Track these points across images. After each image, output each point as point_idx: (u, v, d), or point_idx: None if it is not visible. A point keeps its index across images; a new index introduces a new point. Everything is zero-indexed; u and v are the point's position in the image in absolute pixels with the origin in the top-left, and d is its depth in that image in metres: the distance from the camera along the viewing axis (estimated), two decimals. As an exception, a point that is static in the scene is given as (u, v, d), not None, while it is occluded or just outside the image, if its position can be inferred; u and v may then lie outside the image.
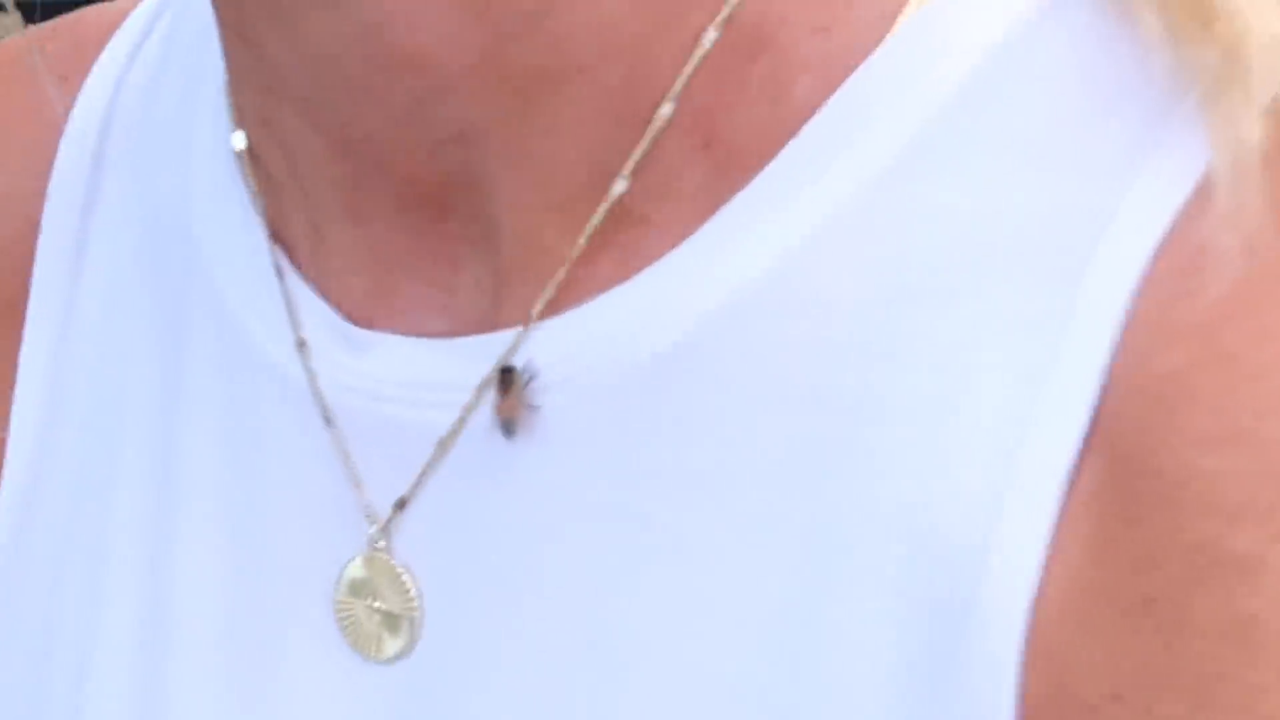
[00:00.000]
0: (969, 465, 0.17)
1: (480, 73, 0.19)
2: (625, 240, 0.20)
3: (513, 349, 0.20)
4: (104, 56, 0.27)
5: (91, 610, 0.24)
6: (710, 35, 0.19)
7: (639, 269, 0.20)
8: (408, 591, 0.21)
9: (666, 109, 0.20)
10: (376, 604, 0.22)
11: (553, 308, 0.20)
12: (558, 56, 0.19)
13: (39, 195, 0.27)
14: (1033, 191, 0.18)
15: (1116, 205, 0.17)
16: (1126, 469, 0.17)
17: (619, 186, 0.20)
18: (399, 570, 0.21)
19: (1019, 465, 0.17)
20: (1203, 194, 0.17)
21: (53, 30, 0.29)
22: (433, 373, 0.21)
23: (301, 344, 0.22)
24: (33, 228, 0.26)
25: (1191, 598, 0.16)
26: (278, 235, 0.23)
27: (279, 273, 0.23)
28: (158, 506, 0.24)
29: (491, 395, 0.20)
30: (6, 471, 0.26)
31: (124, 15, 0.28)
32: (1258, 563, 0.15)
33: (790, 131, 0.19)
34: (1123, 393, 0.17)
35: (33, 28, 0.28)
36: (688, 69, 0.19)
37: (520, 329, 0.20)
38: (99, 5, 0.29)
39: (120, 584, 0.24)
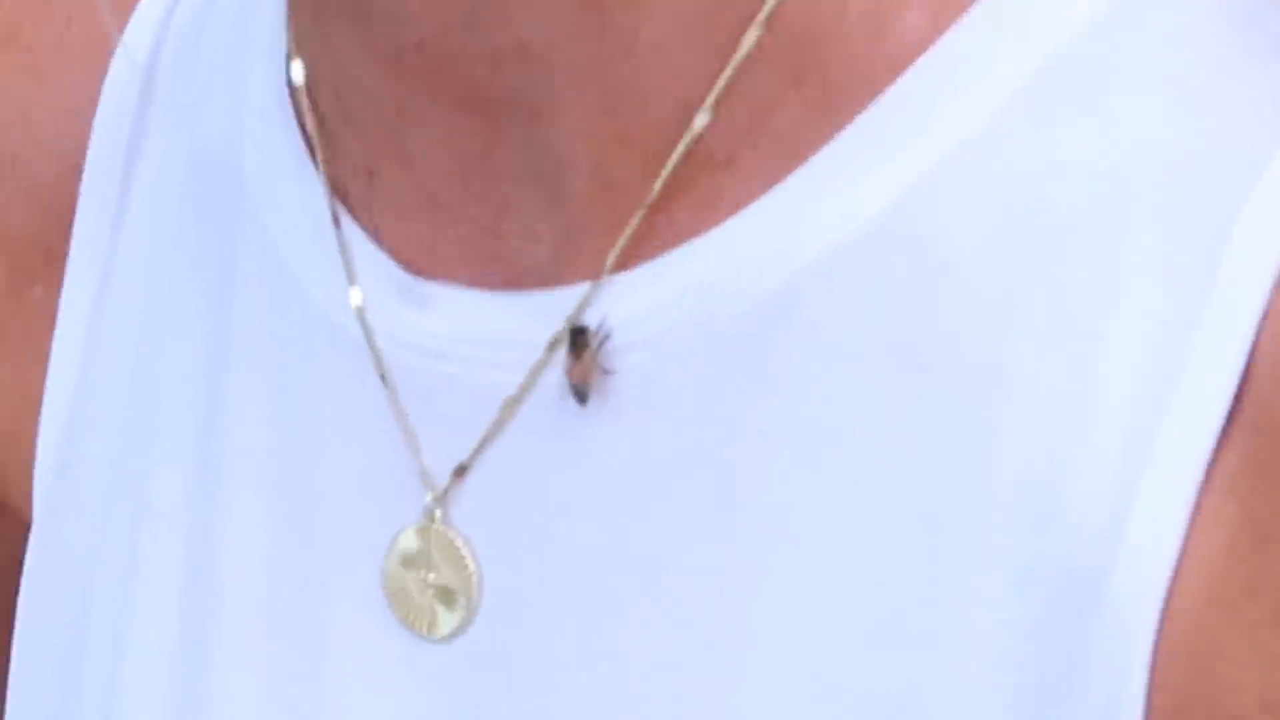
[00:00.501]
0: (1101, 439, 0.16)
1: (568, 68, 0.18)
2: (708, 184, 0.18)
3: (584, 304, 0.19)
4: None
5: (131, 575, 0.23)
6: (766, 7, 0.18)
7: (725, 217, 0.18)
8: (465, 565, 0.20)
9: (753, 34, 0.18)
10: (430, 577, 0.20)
11: (627, 258, 0.19)
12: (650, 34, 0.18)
13: (84, 135, 0.25)
14: (1174, 133, 0.17)
15: (1269, 154, 0.16)
16: (1278, 448, 0.15)
17: (700, 120, 0.18)
18: (457, 542, 0.20)
19: (1157, 440, 0.16)
20: None
21: None
22: (498, 330, 0.20)
23: (358, 298, 0.21)
24: (75, 171, 0.25)
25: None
26: (332, 180, 0.21)
27: (335, 220, 0.21)
28: (201, 468, 0.23)
29: (562, 356, 0.19)
30: (43, 431, 0.25)
31: None
32: None
33: (897, 68, 0.18)
34: (1273, 363, 0.15)
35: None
36: (749, 44, 0.18)
37: (592, 283, 0.19)
38: None
39: (161, 550, 0.23)
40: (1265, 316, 0.15)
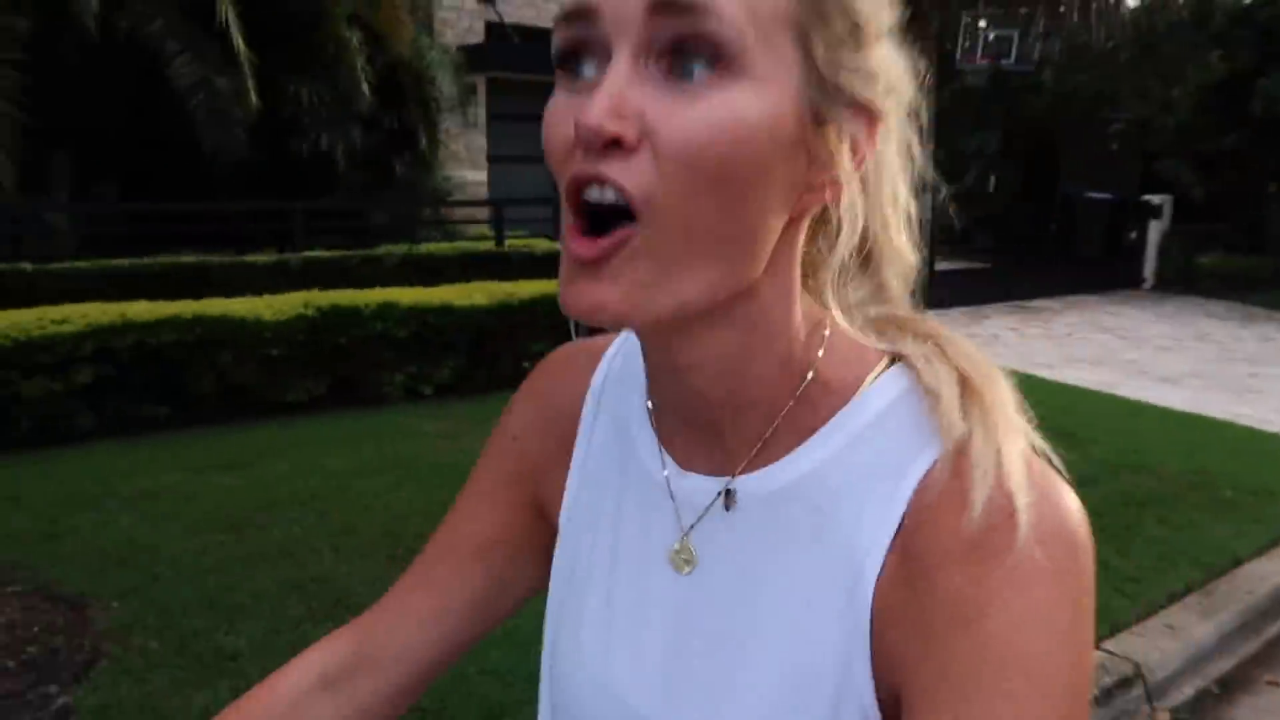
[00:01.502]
0: (868, 546, 0.52)
1: (725, 402, 0.56)
2: (769, 450, 0.57)
3: (730, 481, 0.58)
4: (603, 359, 0.68)
5: (588, 572, 0.63)
6: (804, 384, 0.56)
7: (772, 461, 0.56)
8: (693, 554, 0.59)
9: (798, 391, 0.55)
10: (684, 555, 0.59)
11: (743, 469, 0.58)
12: (747, 397, 0.56)
13: (578, 412, 0.67)
14: (889, 457, 0.54)
15: (908, 467, 0.53)
16: (907, 553, 0.52)
17: (770, 428, 0.56)
18: (692, 546, 0.59)
19: (878, 543, 0.53)
20: (933, 472, 0.52)
21: (587, 343, 0.70)
22: (704, 485, 0.59)
23: (667, 477, 0.61)
24: (576, 420, 0.67)
25: (925, 598, 0.50)
26: (662, 439, 0.62)
27: (660, 453, 0.62)
28: (613, 530, 0.63)
29: (722, 496, 0.62)
30: (564, 503, 0.67)
31: (610, 341, 0.68)
32: (954, 591, 0.48)
33: (822, 422, 0.56)
34: (908, 524, 0.52)
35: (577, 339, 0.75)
36: (791, 401, 0.56)
37: (733, 476, 0.58)
38: (603, 336, 0.70)
39: (597, 563, 0.63)
40: (906, 510, 0.51)
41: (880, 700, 0.51)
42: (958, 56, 12.72)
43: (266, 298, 5.64)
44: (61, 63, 8.12)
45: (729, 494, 0.57)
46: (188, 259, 6.68)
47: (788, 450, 0.55)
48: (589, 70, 0.46)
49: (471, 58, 11.61)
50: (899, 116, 0.53)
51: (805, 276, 0.56)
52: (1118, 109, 14.17)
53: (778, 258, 0.51)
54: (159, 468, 4.48)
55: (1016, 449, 0.49)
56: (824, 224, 0.55)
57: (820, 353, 0.55)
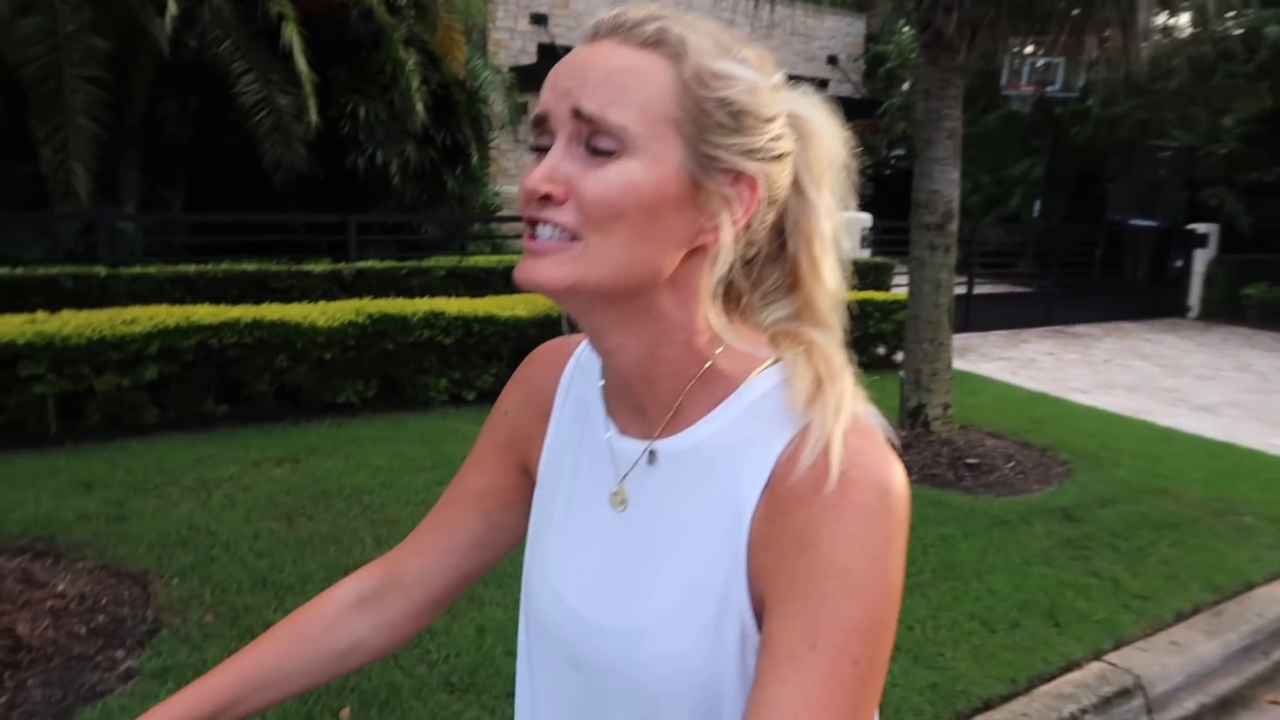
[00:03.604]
0: (746, 493, 0.71)
1: (641, 377, 0.74)
2: (677, 419, 0.76)
3: (652, 444, 0.76)
4: (575, 352, 0.87)
5: (550, 514, 0.83)
6: (703, 369, 0.74)
7: (682, 429, 0.75)
8: (626, 496, 0.78)
9: (699, 371, 0.74)
10: (620, 498, 0.81)
11: (660, 433, 0.76)
12: (657, 374, 0.74)
13: (554, 392, 0.87)
14: (762, 429, 0.72)
15: (774, 439, 0.71)
16: (773, 497, 0.70)
17: (677, 400, 0.75)
18: (625, 490, 0.78)
19: (753, 491, 0.71)
20: (790, 443, 0.68)
21: (565, 340, 0.87)
22: (634, 447, 0.78)
23: (609, 439, 0.80)
24: (552, 400, 0.87)
25: (780, 530, 0.68)
26: (608, 410, 0.81)
27: (606, 421, 0.81)
28: (571, 480, 0.83)
29: (647, 455, 0.79)
30: (539, 477, 0.86)
31: (582, 339, 0.87)
32: (797, 523, 0.65)
33: (718, 402, 0.74)
34: (774, 477, 0.71)
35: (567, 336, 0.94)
36: (692, 384, 0.74)
37: (653, 440, 0.77)
38: (577, 335, 0.85)
39: (558, 506, 0.83)
40: (773, 469, 0.67)
41: (754, 609, 0.68)
42: (1002, 82, 12.78)
43: (321, 304, 5.92)
44: (135, 80, 8.59)
45: (652, 454, 0.75)
46: (248, 266, 6.99)
47: (693, 421, 0.73)
48: (547, 148, 0.68)
49: (523, 78, 11.91)
50: (823, 174, 0.73)
51: (739, 297, 0.74)
52: (1164, 137, 14.09)
53: (682, 276, 0.70)
54: (218, 460, 4.76)
55: (840, 429, 0.65)
56: (750, 264, 0.73)
57: (718, 350, 0.72)
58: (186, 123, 9.38)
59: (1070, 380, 8.57)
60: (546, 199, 0.66)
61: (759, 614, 0.68)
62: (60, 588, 3.25)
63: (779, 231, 0.74)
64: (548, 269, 0.67)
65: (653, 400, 0.75)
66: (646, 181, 0.65)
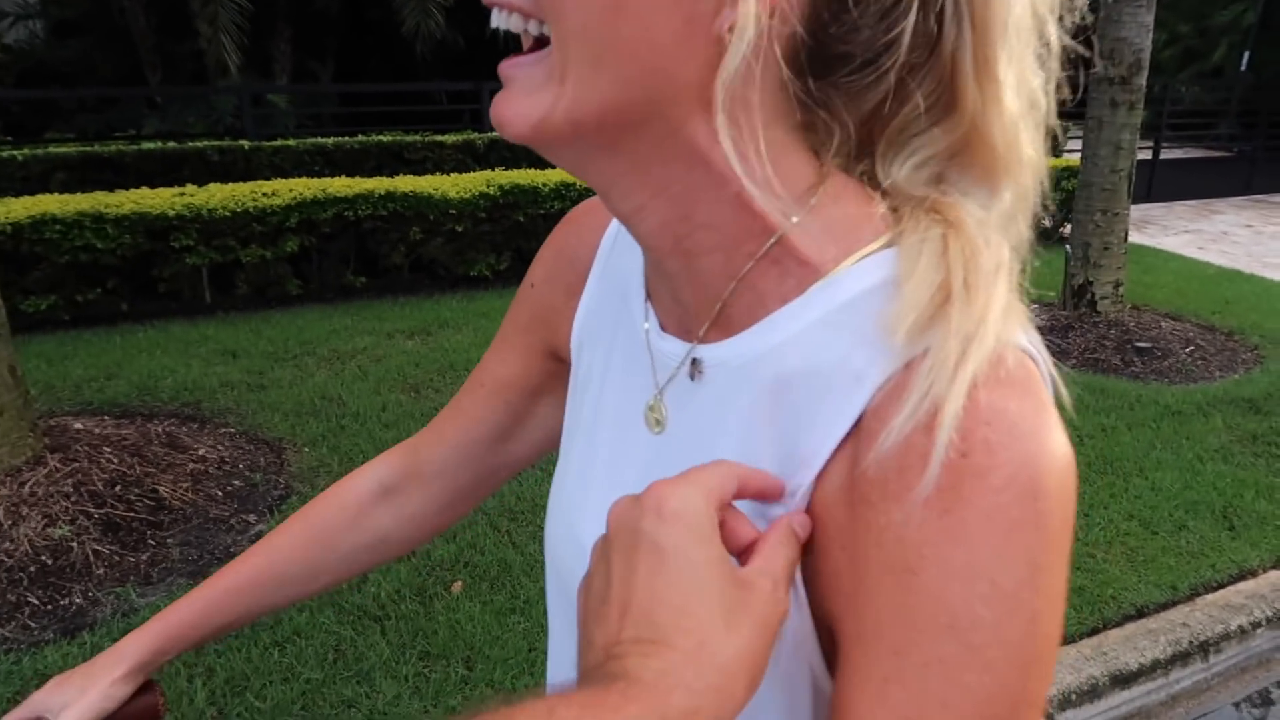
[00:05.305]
0: (812, 451, 0.49)
1: (674, 250, 0.54)
2: (730, 314, 0.55)
3: (696, 349, 0.57)
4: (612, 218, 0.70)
5: (575, 427, 0.67)
6: (768, 244, 0.52)
7: (737, 331, 0.55)
8: (664, 414, 0.61)
9: (762, 249, 0.52)
10: (656, 415, 0.61)
11: (706, 337, 0.56)
12: (696, 245, 0.53)
13: (589, 264, 0.68)
14: (853, 352, 0.49)
15: (867, 371, 0.48)
16: (855, 465, 0.48)
17: (729, 288, 0.54)
18: (664, 406, 0.61)
19: (826, 444, 0.49)
20: (889, 387, 0.44)
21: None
22: (676, 350, 0.59)
23: (647, 332, 0.62)
24: (590, 265, 0.68)
25: (861, 528, 0.43)
26: (650, 298, 0.63)
27: (647, 309, 0.65)
28: (601, 381, 0.65)
29: (689, 364, 0.62)
30: (573, 338, 0.68)
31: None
32: (889, 529, 0.42)
33: (788, 297, 0.53)
34: (863, 430, 0.48)
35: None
36: (751, 263, 0.53)
37: (697, 343, 0.57)
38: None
39: (583, 419, 0.65)
40: (865, 408, 0.46)
41: (814, 613, 0.48)
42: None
43: (453, 176, 5.88)
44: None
45: (695, 363, 0.55)
46: (384, 138, 7.03)
47: (750, 323, 0.52)
48: None
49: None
50: None
51: (874, 143, 0.50)
52: None
53: (723, 95, 0.46)
54: (353, 331, 4.87)
55: (965, 381, 0.41)
56: (861, 69, 0.48)
57: (795, 218, 0.49)
58: (330, -7, 9.37)
59: (1269, 256, 7.69)
60: None
61: (820, 619, 0.48)
62: (201, 452, 3.39)
63: (924, 10, 0.45)
64: (514, 102, 0.48)
65: (693, 287, 0.53)
66: None
